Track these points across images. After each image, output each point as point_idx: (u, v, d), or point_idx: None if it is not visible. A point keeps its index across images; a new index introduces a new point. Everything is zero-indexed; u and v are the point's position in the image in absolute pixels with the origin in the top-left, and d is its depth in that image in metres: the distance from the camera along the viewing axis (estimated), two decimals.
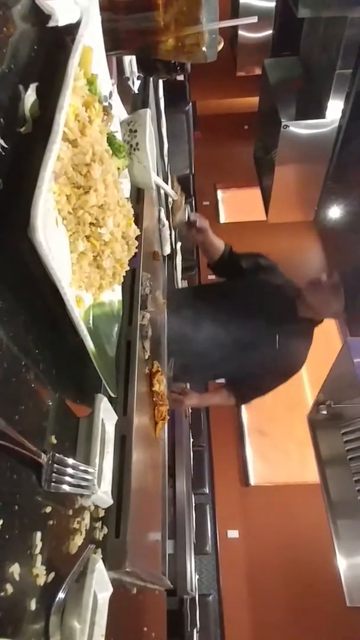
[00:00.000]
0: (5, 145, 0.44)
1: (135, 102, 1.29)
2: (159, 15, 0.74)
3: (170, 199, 1.64)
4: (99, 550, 0.60)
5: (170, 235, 1.78)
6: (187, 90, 3.50)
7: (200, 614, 2.48)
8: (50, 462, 0.47)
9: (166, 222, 1.67)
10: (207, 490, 3.39)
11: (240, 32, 4.58)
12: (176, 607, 2.15)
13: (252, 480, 3.69)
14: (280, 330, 1.60)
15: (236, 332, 1.59)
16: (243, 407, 3.90)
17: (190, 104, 3.28)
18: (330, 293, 1.52)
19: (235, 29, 4.55)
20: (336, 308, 1.53)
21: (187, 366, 1.64)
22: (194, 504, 2.57)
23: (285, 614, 3.14)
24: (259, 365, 1.63)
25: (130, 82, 1.17)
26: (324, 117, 3.36)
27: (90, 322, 0.61)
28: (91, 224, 0.56)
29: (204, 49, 0.78)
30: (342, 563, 2.00)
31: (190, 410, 2.97)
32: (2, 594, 0.37)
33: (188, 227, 1.68)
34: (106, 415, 0.66)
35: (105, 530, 0.65)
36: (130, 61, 1.13)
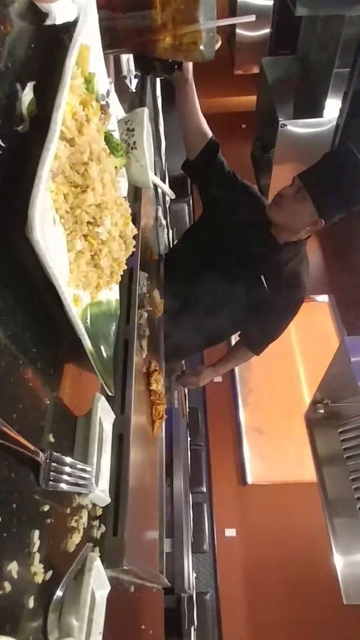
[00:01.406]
0: (2, 144, 0.44)
1: (132, 100, 1.29)
2: (156, 14, 0.74)
3: (168, 198, 1.63)
4: (97, 549, 0.60)
5: (168, 234, 1.78)
6: None
7: (197, 612, 2.48)
8: (48, 460, 0.47)
9: (163, 221, 1.67)
10: (204, 489, 3.39)
11: (238, 31, 4.58)
12: (174, 605, 2.16)
13: (250, 479, 3.69)
14: (268, 265, 1.49)
15: (226, 281, 1.45)
16: (240, 405, 3.91)
17: None
18: (296, 202, 1.37)
19: (233, 27, 4.54)
20: (309, 217, 1.38)
21: (185, 335, 1.56)
22: (191, 503, 2.57)
23: (283, 611, 3.15)
24: (262, 307, 1.51)
25: (127, 81, 1.17)
26: (321, 116, 3.37)
27: (88, 321, 0.61)
28: (89, 223, 0.56)
29: (201, 47, 0.78)
30: (339, 561, 2.01)
31: (187, 410, 2.97)
32: (0, 592, 0.37)
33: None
34: (104, 414, 0.67)
35: (103, 528, 0.65)
36: (127, 60, 1.13)
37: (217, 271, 1.47)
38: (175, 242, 2.21)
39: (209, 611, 2.97)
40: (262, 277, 1.49)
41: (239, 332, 1.79)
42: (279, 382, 3.86)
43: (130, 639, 0.84)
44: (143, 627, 0.93)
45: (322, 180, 1.36)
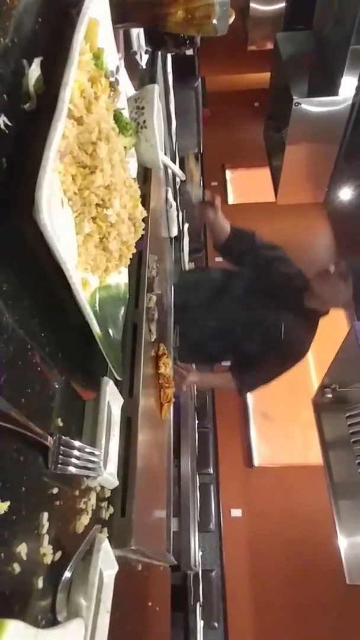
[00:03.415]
0: (9, 123, 0.43)
1: (142, 77, 1.26)
2: None
3: (178, 179, 1.61)
4: (105, 530, 0.61)
5: (178, 216, 1.76)
6: (197, 65, 3.40)
7: (203, 589, 2.55)
8: (56, 444, 0.47)
9: (174, 203, 1.65)
10: (211, 471, 3.44)
11: (252, 5, 4.43)
12: (180, 582, 2.21)
13: (256, 462, 3.74)
14: (286, 319, 1.62)
15: (243, 317, 1.61)
16: None
17: (200, 79, 3.19)
18: (338, 283, 1.53)
19: (246, 0, 4.39)
20: (344, 298, 1.55)
21: (194, 346, 1.66)
22: (198, 484, 2.61)
23: (286, 590, 3.22)
24: (262, 352, 1.65)
25: (137, 57, 1.13)
26: (337, 95, 3.26)
27: (96, 305, 0.61)
28: (97, 205, 0.55)
29: (214, 21, 0.75)
30: (343, 542, 2.04)
31: (195, 392, 2.99)
32: (10, 572, 0.38)
33: (203, 205, 1.68)
34: (112, 398, 0.67)
35: (111, 509, 0.66)
36: (137, 34, 1.10)
37: (241, 301, 1.64)
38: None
39: (214, 588, 3.05)
40: (282, 323, 1.62)
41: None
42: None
43: (137, 615, 0.86)
44: (150, 603, 0.95)
45: None
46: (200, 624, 2.34)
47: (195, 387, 2.95)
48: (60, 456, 0.48)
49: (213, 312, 1.66)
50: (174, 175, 1.71)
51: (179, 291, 1.58)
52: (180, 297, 1.56)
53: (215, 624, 2.95)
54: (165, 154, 1.02)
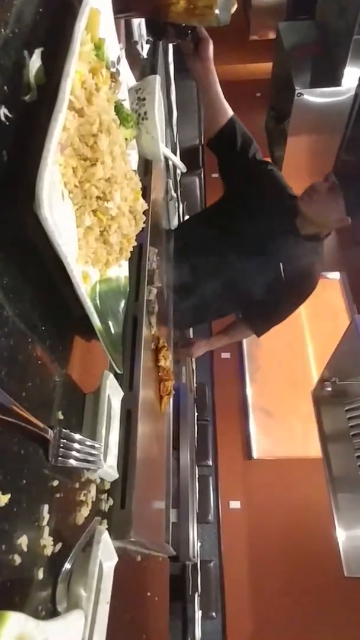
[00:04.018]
0: (9, 115, 0.42)
1: (144, 67, 1.24)
2: None
3: (179, 171, 1.59)
4: (105, 521, 0.62)
5: (179, 208, 1.75)
6: None
7: (201, 579, 2.58)
8: (57, 437, 0.48)
9: (174, 195, 1.64)
10: (210, 463, 3.45)
11: None
12: (178, 572, 2.23)
13: (255, 454, 3.75)
14: (285, 254, 1.49)
15: (238, 262, 1.46)
16: (248, 381, 3.93)
17: None
18: (328, 198, 1.38)
19: None
20: (338, 214, 1.40)
21: (191, 308, 1.58)
22: (197, 476, 2.62)
23: (284, 581, 3.25)
24: (269, 293, 1.51)
25: (139, 47, 1.12)
26: (339, 85, 3.23)
27: (97, 298, 0.61)
28: (98, 197, 0.55)
29: (216, 11, 0.75)
30: (341, 535, 2.06)
31: (195, 385, 3.00)
32: (11, 564, 0.38)
33: (192, 50, 1.29)
34: (112, 391, 0.67)
35: (111, 501, 0.66)
36: (139, 24, 1.09)
37: (234, 250, 1.47)
38: (186, 217, 2.18)
39: (212, 578, 3.08)
40: (280, 264, 1.49)
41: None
42: (287, 359, 3.86)
43: (137, 605, 0.87)
44: (149, 594, 0.96)
45: (357, 182, 1.39)
46: (198, 613, 2.37)
47: (194, 380, 2.96)
48: (61, 449, 0.48)
49: (208, 264, 1.52)
50: (175, 167, 1.70)
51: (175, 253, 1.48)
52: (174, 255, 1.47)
53: (214, 614, 2.98)
54: (166, 145, 1.01)
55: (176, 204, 1.76)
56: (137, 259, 0.94)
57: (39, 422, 0.43)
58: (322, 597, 3.09)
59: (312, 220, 1.46)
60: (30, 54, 0.46)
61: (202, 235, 1.60)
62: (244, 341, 3.72)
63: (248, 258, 1.45)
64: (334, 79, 3.23)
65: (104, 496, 0.65)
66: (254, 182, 1.55)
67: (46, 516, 0.45)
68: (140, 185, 0.71)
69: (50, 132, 0.42)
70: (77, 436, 0.51)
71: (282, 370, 3.86)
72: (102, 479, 0.63)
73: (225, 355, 3.94)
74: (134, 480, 0.71)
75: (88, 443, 0.54)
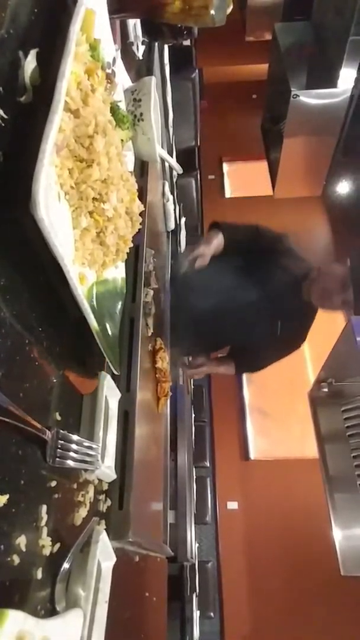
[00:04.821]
0: (5, 116, 0.42)
1: (139, 68, 1.24)
2: None
3: (175, 172, 1.59)
4: (103, 522, 0.61)
5: (175, 210, 1.75)
6: (194, 57, 3.37)
7: (199, 580, 2.58)
8: (54, 438, 0.48)
9: (171, 197, 1.64)
10: (207, 464, 3.46)
11: None
12: (176, 573, 2.23)
13: (252, 455, 3.76)
14: (283, 308, 1.59)
15: (241, 304, 1.57)
16: (245, 383, 3.94)
17: (197, 70, 3.17)
18: (339, 294, 1.47)
19: None
20: (342, 299, 1.48)
21: (192, 336, 1.64)
22: (195, 477, 2.63)
23: (282, 581, 3.26)
24: (260, 339, 1.63)
25: (134, 48, 1.12)
26: (335, 87, 3.24)
27: (94, 299, 0.61)
28: (94, 199, 0.55)
29: (212, 12, 0.75)
30: (338, 534, 2.06)
31: (192, 387, 3.00)
32: (10, 564, 0.38)
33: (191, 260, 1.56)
34: (109, 393, 0.67)
35: (109, 502, 0.66)
36: (134, 25, 1.09)
37: (241, 301, 1.58)
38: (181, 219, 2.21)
39: (210, 579, 3.08)
40: (279, 321, 1.58)
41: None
42: (284, 360, 3.86)
43: (135, 605, 0.87)
44: (147, 594, 0.96)
45: None
46: (196, 613, 2.37)
47: (192, 381, 2.96)
48: (59, 450, 0.48)
49: (212, 300, 1.60)
50: (171, 168, 1.70)
51: (175, 289, 1.55)
52: (177, 293, 1.54)
53: (211, 614, 2.99)
54: (162, 146, 1.02)
55: (172, 205, 1.76)
56: (133, 261, 0.94)
57: (37, 423, 0.43)
58: (319, 596, 3.10)
59: (316, 296, 1.55)
60: (26, 55, 0.47)
61: (210, 282, 1.66)
62: None
63: (252, 310, 1.57)
64: (330, 81, 3.24)
65: (102, 497, 0.65)
66: (270, 257, 1.65)
67: (44, 517, 0.45)
68: (136, 186, 0.71)
69: (46, 133, 0.42)
70: (75, 437, 0.51)
71: (279, 372, 3.86)
72: (100, 480, 0.63)
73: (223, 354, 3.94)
74: (131, 481, 0.71)
75: (86, 444, 0.54)
